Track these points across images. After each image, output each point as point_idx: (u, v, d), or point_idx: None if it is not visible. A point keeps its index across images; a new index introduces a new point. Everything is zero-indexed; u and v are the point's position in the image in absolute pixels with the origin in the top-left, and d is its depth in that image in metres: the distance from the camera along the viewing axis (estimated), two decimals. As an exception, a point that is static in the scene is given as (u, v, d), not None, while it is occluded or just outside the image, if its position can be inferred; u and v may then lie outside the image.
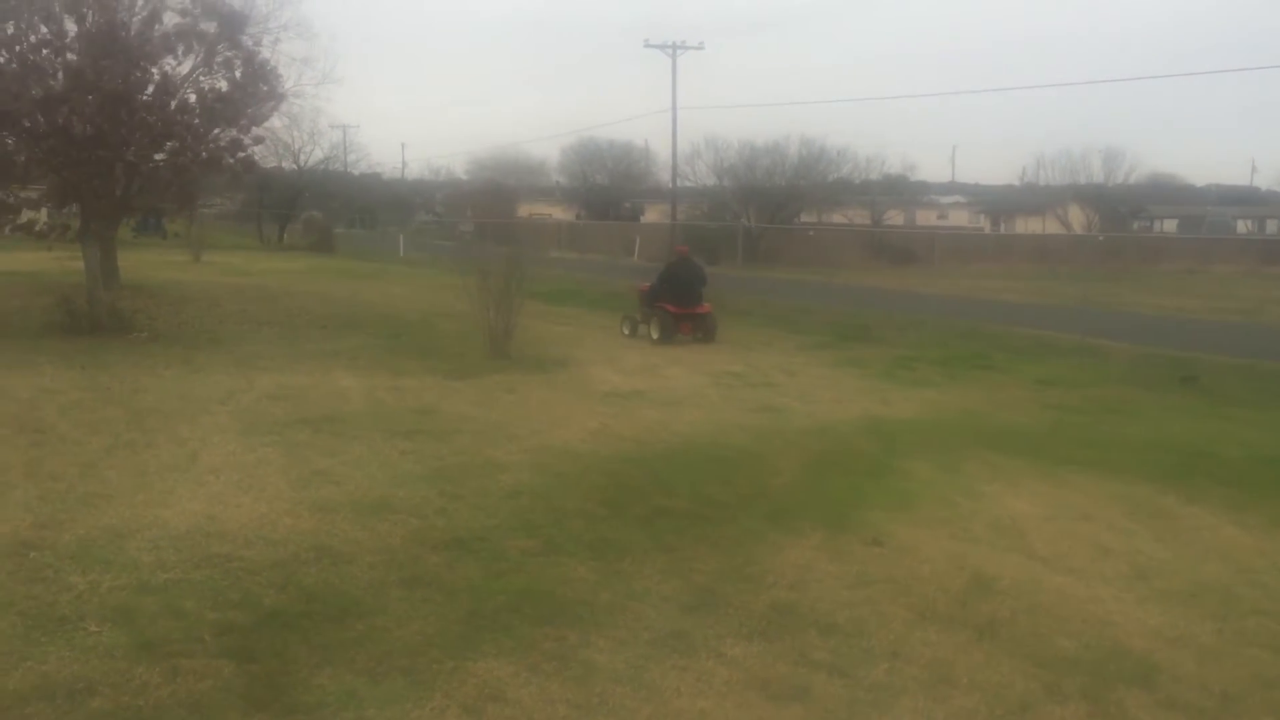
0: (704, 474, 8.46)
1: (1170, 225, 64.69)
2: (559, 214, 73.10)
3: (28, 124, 17.91)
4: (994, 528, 7.30)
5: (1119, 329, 19.76)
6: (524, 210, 73.42)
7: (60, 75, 18.29)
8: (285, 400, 11.10)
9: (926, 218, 67.71)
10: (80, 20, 19.04)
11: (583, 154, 72.44)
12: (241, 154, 20.77)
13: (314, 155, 59.34)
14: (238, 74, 20.40)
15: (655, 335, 17.27)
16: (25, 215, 20.47)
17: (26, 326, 16.43)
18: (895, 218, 60.16)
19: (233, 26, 20.48)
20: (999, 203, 73.09)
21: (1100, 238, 41.36)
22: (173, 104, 19.55)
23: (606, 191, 70.89)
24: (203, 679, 4.66)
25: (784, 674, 4.94)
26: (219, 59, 20.54)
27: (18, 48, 18.09)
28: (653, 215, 65.92)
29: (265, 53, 21.30)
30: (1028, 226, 65.31)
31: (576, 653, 5.08)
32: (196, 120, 19.88)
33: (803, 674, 4.95)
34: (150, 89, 19.14)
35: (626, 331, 18.08)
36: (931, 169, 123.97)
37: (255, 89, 20.58)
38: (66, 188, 19.55)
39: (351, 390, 11.89)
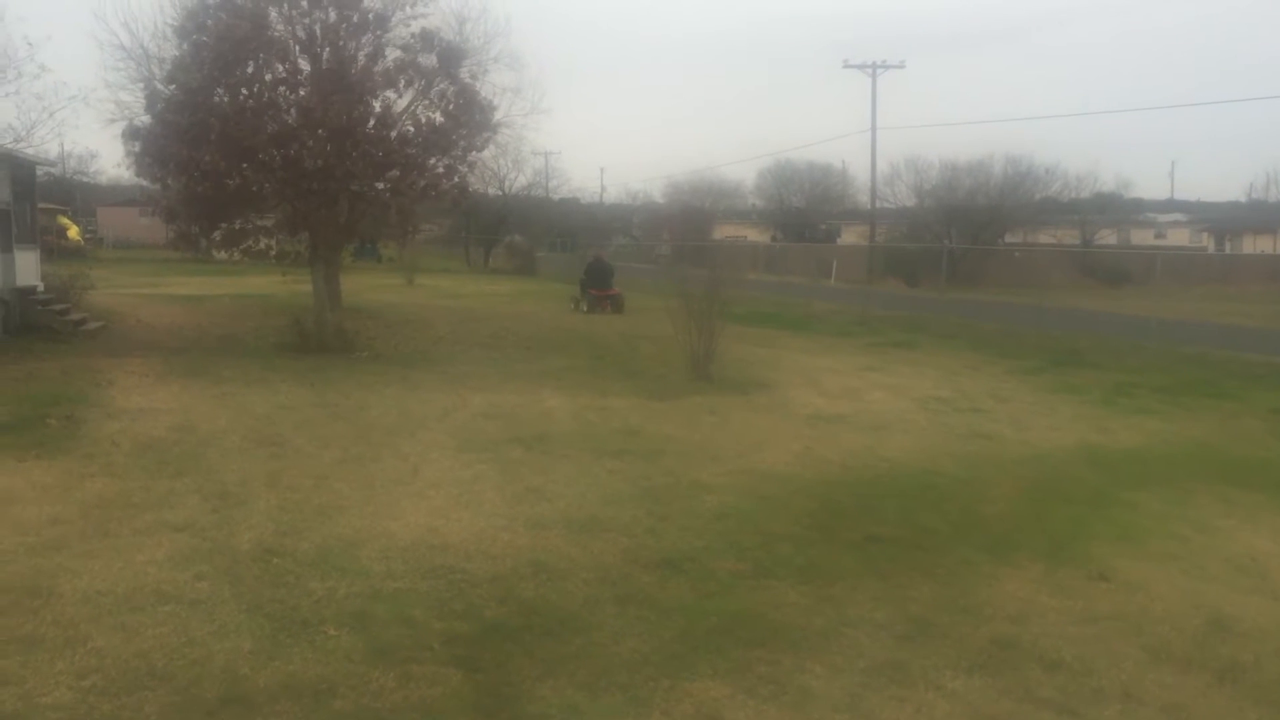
0: (914, 501, 8.29)
1: None
2: (754, 236, 73.08)
3: (263, 157, 19.18)
4: (1232, 566, 6.87)
5: (1366, 355, 18.20)
6: (719, 232, 73.65)
7: (293, 111, 19.53)
8: (497, 419, 11.49)
9: (1142, 237, 64.22)
10: (314, 60, 20.33)
11: (779, 176, 72.53)
12: (457, 180, 21.66)
13: (517, 181, 61.59)
14: (452, 106, 21.31)
15: (584, 309, 26.63)
16: (262, 242, 21.98)
17: (260, 346, 17.62)
18: (1107, 237, 57.36)
19: (450, 60, 21.40)
20: (1223, 221, 68.72)
21: (1341, 257, 38.30)
22: (393, 135, 20.57)
23: (802, 214, 70.57)
24: (433, 686, 4.88)
25: (1008, 710, 4.78)
26: (435, 91, 21.51)
27: (256, 86, 19.43)
28: (850, 237, 65.06)
29: (478, 85, 22.15)
30: (1256, 246, 61.04)
31: (792, 678, 5.05)
32: (414, 150, 20.88)
33: (1028, 711, 4.78)
34: (372, 122, 20.23)
35: (572, 308, 27.39)
36: (1148, 186, 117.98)
37: (469, 120, 21.44)
38: (298, 216, 20.85)
39: (559, 410, 12.20)
